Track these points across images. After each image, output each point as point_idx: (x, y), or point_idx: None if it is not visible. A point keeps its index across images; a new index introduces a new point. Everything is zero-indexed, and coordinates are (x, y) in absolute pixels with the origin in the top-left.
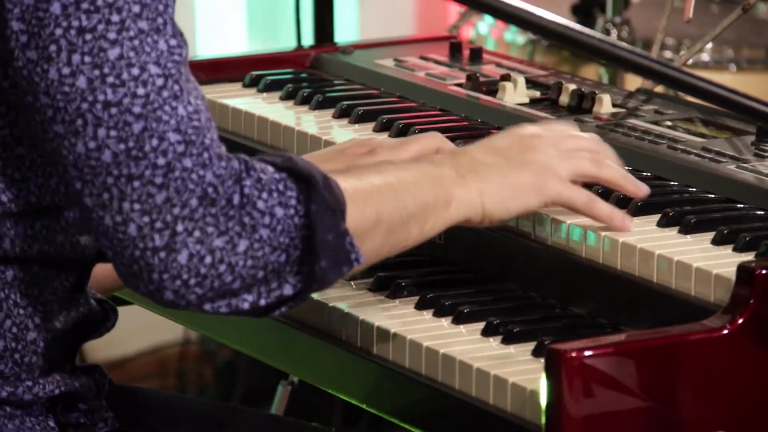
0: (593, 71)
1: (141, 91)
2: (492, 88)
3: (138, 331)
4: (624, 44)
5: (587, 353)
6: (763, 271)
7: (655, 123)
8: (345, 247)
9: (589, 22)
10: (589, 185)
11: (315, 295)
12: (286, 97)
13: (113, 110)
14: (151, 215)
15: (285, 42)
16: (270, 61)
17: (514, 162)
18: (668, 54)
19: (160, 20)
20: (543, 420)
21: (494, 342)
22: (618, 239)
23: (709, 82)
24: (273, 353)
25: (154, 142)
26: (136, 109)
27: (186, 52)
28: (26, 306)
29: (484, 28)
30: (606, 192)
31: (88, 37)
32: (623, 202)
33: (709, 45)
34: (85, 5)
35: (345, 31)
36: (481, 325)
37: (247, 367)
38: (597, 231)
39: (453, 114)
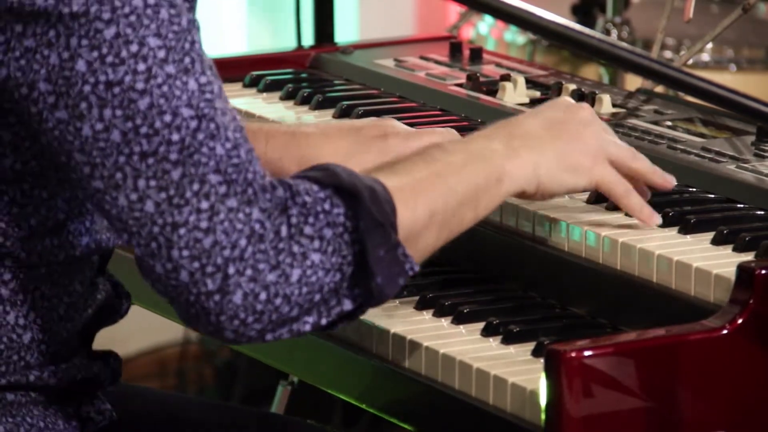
0: (593, 71)
1: (176, 137)
2: (492, 88)
3: (138, 331)
4: (624, 44)
5: (587, 353)
6: (763, 271)
7: (655, 123)
8: (398, 258)
9: (589, 22)
10: None
11: None
12: (286, 97)
13: (150, 160)
14: (200, 260)
15: (285, 42)
16: (270, 61)
17: (568, 136)
18: (668, 54)
19: (187, 60)
20: (543, 420)
21: (494, 342)
22: (618, 239)
23: (709, 82)
24: (273, 353)
25: (195, 186)
26: (173, 156)
27: (219, 85)
28: (52, 298)
29: (484, 28)
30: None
31: (117, 90)
32: None
33: (709, 45)
34: (109, 59)
35: (345, 31)
36: (481, 325)
37: (247, 367)
38: (597, 231)
39: (453, 114)
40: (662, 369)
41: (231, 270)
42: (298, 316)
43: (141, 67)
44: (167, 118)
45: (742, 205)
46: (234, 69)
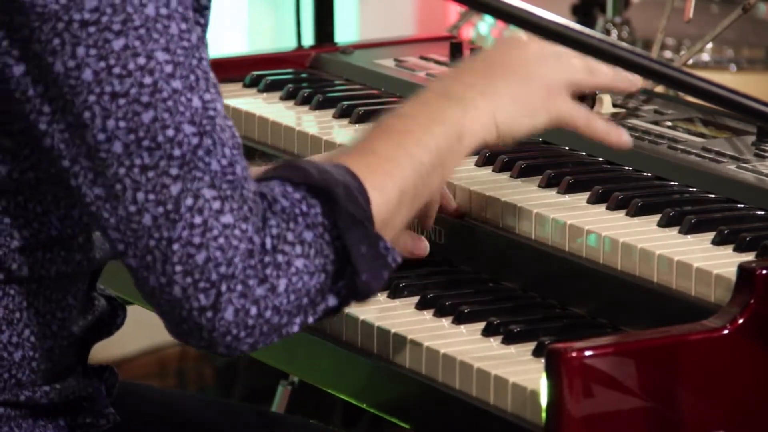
0: None
1: (177, 152)
2: None
3: (138, 331)
4: (624, 44)
5: (587, 353)
6: (764, 271)
7: (655, 123)
8: (380, 252)
9: (589, 22)
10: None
11: None
12: (286, 98)
13: (150, 173)
14: (193, 276)
15: (285, 42)
16: (270, 61)
17: (518, 76)
18: (668, 54)
19: (192, 77)
20: (543, 420)
21: (494, 342)
22: (618, 239)
23: (709, 82)
24: (273, 353)
25: (189, 201)
26: (173, 171)
27: (221, 103)
28: (45, 314)
29: (484, 28)
30: (606, 192)
31: (122, 102)
32: (622, 201)
33: (709, 45)
34: (116, 70)
35: (345, 31)
36: (482, 325)
37: (247, 367)
38: (598, 231)
39: None
40: (663, 369)
41: (224, 287)
42: (287, 322)
43: (147, 80)
44: (170, 132)
45: (742, 205)
46: (234, 69)
